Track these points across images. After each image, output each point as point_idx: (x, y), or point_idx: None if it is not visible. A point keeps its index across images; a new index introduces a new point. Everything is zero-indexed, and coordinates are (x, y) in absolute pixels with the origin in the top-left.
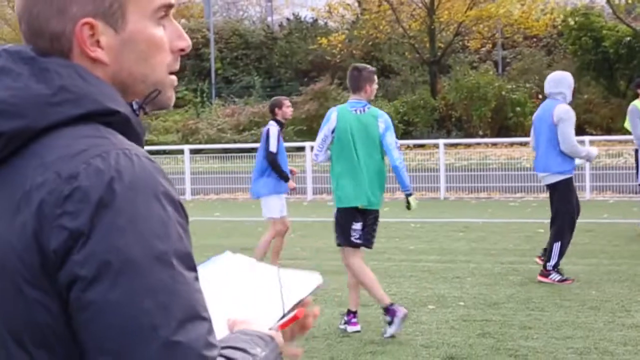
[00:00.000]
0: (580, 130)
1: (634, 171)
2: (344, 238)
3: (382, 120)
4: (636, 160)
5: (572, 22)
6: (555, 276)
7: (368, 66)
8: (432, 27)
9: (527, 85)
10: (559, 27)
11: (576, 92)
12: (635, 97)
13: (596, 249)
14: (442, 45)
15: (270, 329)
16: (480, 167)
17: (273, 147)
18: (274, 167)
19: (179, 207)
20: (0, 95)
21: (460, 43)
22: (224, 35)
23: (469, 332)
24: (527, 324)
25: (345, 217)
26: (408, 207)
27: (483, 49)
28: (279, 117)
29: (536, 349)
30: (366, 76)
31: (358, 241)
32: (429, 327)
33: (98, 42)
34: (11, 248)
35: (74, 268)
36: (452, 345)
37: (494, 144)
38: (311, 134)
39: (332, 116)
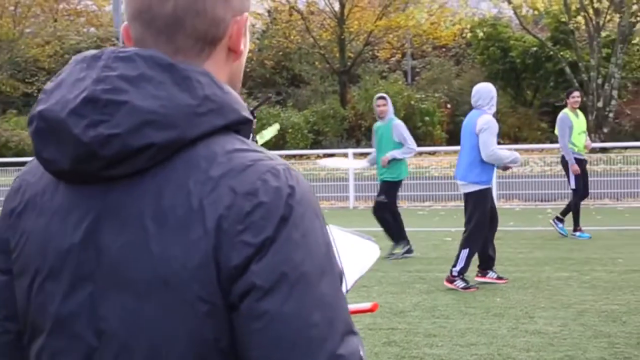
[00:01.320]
0: None
1: (540, 179)
2: None
3: None
4: (564, 166)
5: (480, 33)
6: (460, 283)
7: None
8: (342, 37)
9: (436, 94)
10: (468, 37)
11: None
12: (565, 106)
13: (502, 256)
14: (352, 55)
15: None
16: None
17: None
18: None
19: (323, 218)
20: (149, 104)
21: (370, 53)
22: None
23: (374, 340)
24: (432, 332)
25: None
26: None
27: (392, 58)
28: None
29: (441, 357)
30: None
31: None
32: None
33: (243, 36)
34: (180, 264)
35: (252, 278)
36: None
37: None
38: None
39: None
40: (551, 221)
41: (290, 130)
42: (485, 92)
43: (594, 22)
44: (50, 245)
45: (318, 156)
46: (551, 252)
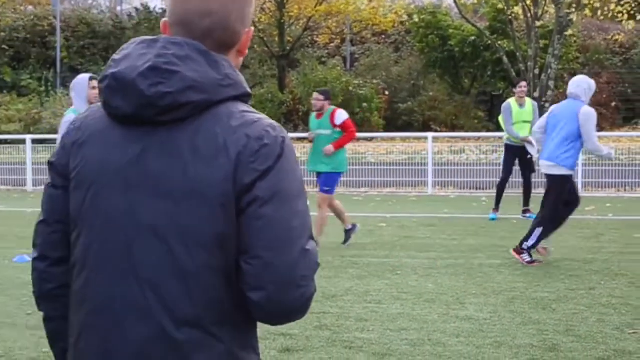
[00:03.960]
0: (425, 127)
1: (476, 167)
2: None
3: None
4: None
5: (417, 19)
6: (526, 257)
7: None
8: (282, 21)
9: (375, 81)
10: (407, 24)
11: (421, 89)
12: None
13: (436, 243)
14: (292, 40)
15: None
16: None
17: None
18: None
19: None
20: (192, 75)
21: (310, 38)
22: (71, 23)
23: (306, 324)
24: (364, 317)
25: None
26: None
27: (332, 44)
28: None
29: (371, 341)
30: None
31: None
32: None
33: (248, 43)
34: (209, 180)
35: (257, 192)
36: (289, 337)
37: None
38: None
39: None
40: (521, 216)
41: None
42: (585, 84)
43: (532, 13)
44: (106, 165)
45: None
46: (484, 240)
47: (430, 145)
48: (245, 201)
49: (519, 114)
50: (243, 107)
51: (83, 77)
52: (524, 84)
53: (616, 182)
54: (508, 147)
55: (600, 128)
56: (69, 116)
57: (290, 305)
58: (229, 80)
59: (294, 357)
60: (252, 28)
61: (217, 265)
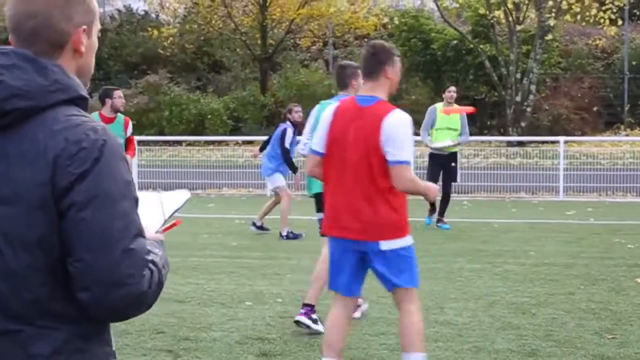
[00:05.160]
0: None
1: (458, 171)
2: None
3: None
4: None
5: (397, 22)
6: None
7: (352, 63)
8: (264, 23)
9: None
10: (389, 28)
11: (404, 92)
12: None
13: (416, 247)
14: (274, 43)
15: (156, 231)
16: None
17: None
18: None
19: (128, 164)
20: (17, 83)
21: (292, 41)
22: None
23: (284, 328)
24: None
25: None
26: None
27: (314, 47)
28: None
29: (350, 345)
30: (350, 73)
31: None
32: (245, 324)
33: (82, 42)
34: (29, 184)
35: (74, 196)
36: (267, 342)
37: None
38: (140, 127)
39: (314, 110)
40: (435, 226)
41: (209, 117)
42: None
43: (513, 17)
44: None
45: (237, 143)
46: (465, 244)
47: None
48: (65, 205)
49: (444, 120)
50: (73, 110)
51: None
52: (452, 88)
53: (597, 186)
54: (432, 156)
55: (582, 133)
56: None
57: (117, 304)
58: (57, 85)
59: None
60: (85, 27)
61: (41, 266)
